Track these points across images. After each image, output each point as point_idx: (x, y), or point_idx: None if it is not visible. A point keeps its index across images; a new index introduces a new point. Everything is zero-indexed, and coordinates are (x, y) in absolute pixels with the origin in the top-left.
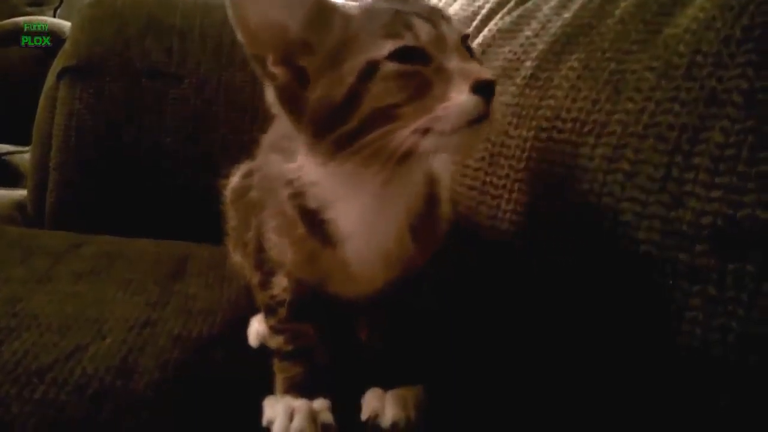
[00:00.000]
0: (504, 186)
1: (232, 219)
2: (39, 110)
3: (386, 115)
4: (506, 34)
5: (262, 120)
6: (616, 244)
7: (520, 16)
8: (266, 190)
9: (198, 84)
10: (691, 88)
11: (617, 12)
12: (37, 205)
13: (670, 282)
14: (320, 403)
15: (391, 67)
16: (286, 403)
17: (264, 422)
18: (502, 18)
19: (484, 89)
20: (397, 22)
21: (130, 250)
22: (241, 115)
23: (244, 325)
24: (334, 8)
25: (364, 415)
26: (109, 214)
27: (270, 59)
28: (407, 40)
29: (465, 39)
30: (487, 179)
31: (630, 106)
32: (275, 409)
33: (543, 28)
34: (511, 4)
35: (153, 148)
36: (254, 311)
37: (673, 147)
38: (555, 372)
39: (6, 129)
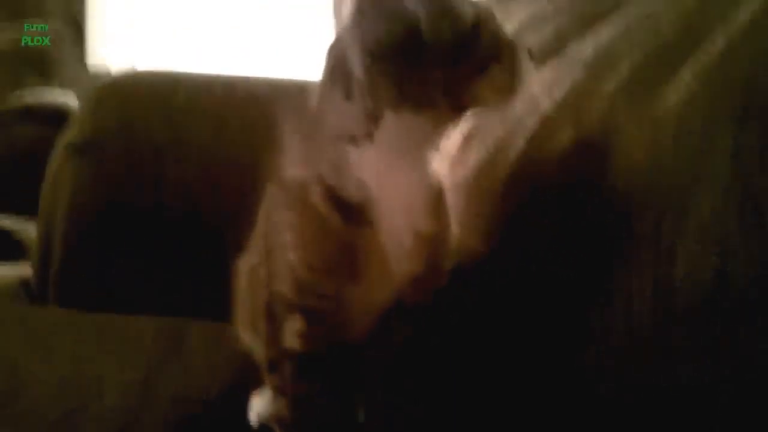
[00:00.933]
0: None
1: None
2: (44, 185)
3: None
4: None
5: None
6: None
7: None
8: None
9: (200, 161)
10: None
11: (606, 90)
12: (41, 278)
13: None
14: None
15: None
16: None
17: None
18: None
19: None
20: None
21: (131, 328)
22: (244, 192)
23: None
24: None
25: None
26: (114, 288)
27: None
28: None
29: None
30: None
31: (619, 183)
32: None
33: (534, 105)
34: None
35: (156, 223)
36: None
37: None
38: None
39: (13, 202)
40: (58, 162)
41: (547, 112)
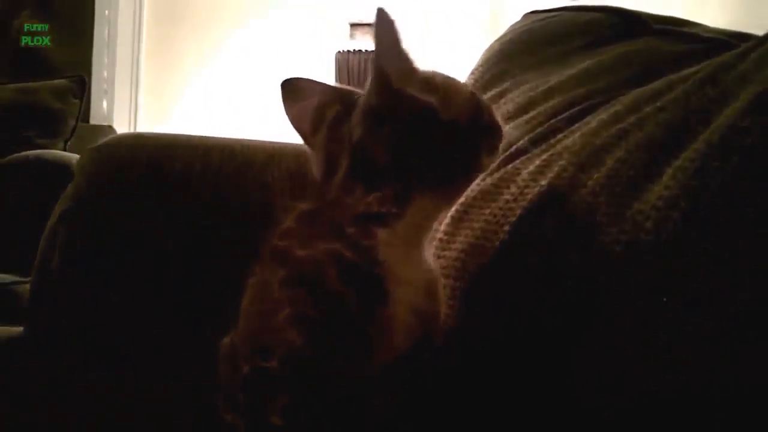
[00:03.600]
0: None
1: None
2: (40, 247)
3: None
4: (487, 195)
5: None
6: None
7: (501, 179)
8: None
9: (196, 232)
10: (658, 267)
11: (590, 183)
12: (34, 340)
13: None
14: None
15: None
16: None
17: None
18: (484, 179)
19: None
20: None
21: None
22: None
23: None
24: None
25: None
26: (104, 353)
27: None
28: None
29: None
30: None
31: (601, 278)
32: None
33: (521, 193)
34: (494, 165)
35: (153, 293)
36: None
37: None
38: None
39: (11, 259)
40: (52, 226)
41: (534, 199)
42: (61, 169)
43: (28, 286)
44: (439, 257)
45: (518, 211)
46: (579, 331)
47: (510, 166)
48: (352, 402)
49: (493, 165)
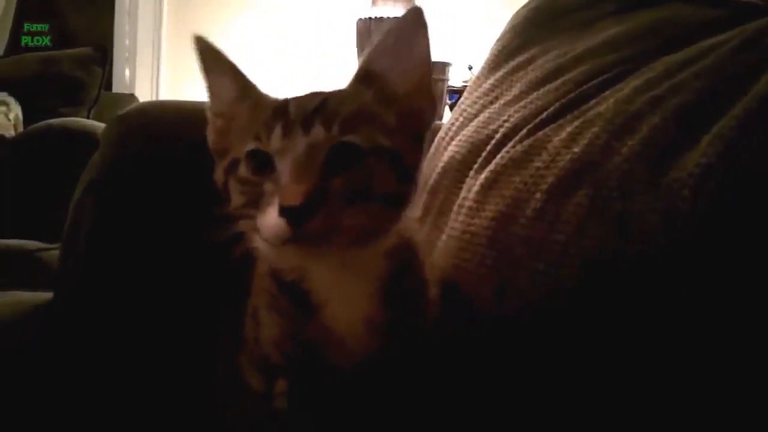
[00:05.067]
0: (512, 319)
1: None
2: (68, 219)
3: (242, 213)
4: (518, 163)
5: None
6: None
7: (531, 146)
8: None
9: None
10: (696, 233)
11: (624, 151)
12: (61, 308)
13: None
14: None
15: (242, 170)
16: None
17: None
18: (514, 146)
19: (289, 214)
20: (267, 122)
21: None
22: None
23: None
24: (251, 90)
25: None
26: (131, 324)
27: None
28: (261, 144)
29: (312, 148)
30: (495, 312)
31: (638, 247)
32: None
33: (553, 160)
34: (524, 132)
35: (177, 264)
36: None
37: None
38: None
39: (36, 226)
40: (79, 195)
41: (566, 165)
42: (86, 137)
43: (53, 252)
44: (468, 225)
45: (550, 179)
46: (614, 301)
47: (540, 133)
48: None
49: (522, 132)
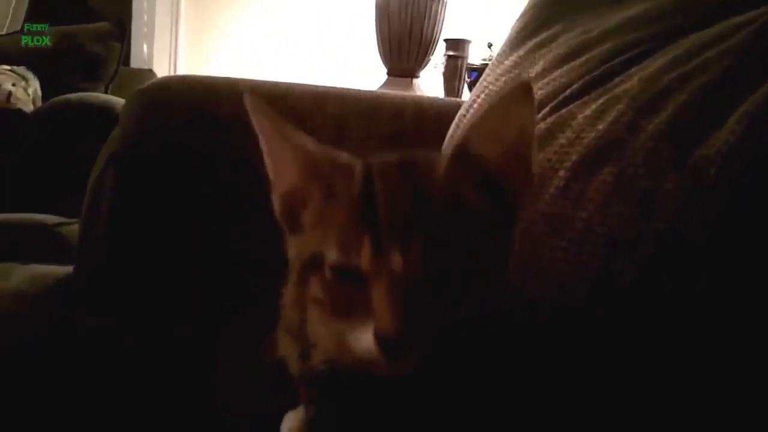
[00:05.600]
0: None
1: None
2: (88, 192)
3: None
4: (541, 140)
5: None
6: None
7: (554, 123)
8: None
9: (241, 175)
10: (723, 213)
11: (650, 128)
12: (83, 282)
13: None
14: None
15: (327, 274)
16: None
17: None
18: (537, 123)
19: (387, 346)
20: (350, 229)
21: None
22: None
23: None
24: (322, 166)
25: None
26: (154, 295)
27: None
28: (347, 258)
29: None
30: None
31: (662, 226)
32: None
33: (577, 137)
34: (546, 109)
35: (195, 237)
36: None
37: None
38: None
39: (56, 201)
40: (100, 170)
41: (591, 143)
42: (104, 112)
43: (72, 227)
44: None
45: (574, 156)
46: (636, 283)
47: (564, 110)
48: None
49: (546, 109)
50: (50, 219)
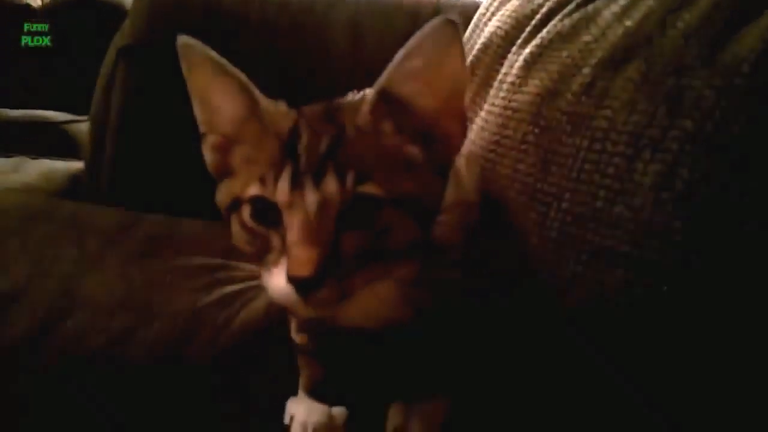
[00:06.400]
0: (554, 194)
1: None
2: (98, 86)
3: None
4: (565, 37)
5: None
6: (666, 262)
7: (579, 20)
8: None
9: (251, 72)
10: (753, 110)
11: (680, 25)
12: (93, 178)
13: None
14: (339, 411)
15: (245, 214)
16: (307, 404)
17: (285, 419)
18: (561, 20)
19: (298, 284)
20: (274, 163)
21: (180, 233)
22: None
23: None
24: (259, 107)
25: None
26: (164, 190)
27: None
28: (267, 191)
29: (324, 204)
30: (538, 185)
31: (688, 123)
32: (297, 407)
33: (603, 34)
34: (572, 6)
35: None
36: None
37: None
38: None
39: (66, 98)
40: (110, 65)
41: (617, 40)
42: (113, 8)
43: (81, 125)
44: (510, 101)
45: (599, 54)
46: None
47: (589, 6)
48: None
49: (571, 6)
50: (59, 116)
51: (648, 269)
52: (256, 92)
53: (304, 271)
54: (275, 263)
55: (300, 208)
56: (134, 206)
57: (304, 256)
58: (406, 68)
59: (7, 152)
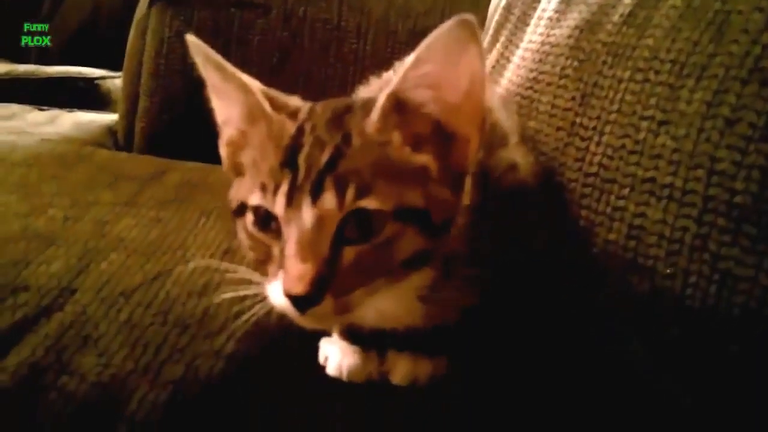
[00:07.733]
0: (594, 128)
1: None
2: (130, 38)
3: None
4: None
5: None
6: (709, 192)
7: None
8: None
9: (284, 15)
10: None
11: None
12: (127, 130)
13: None
14: (371, 353)
15: (248, 221)
16: (342, 344)
17: (320, 359)
18: None
19: (294, 301)
20: (274, 173)
21: (212, 179)
22: (324, 49)
23: None
24: (262, 110)
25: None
26: (196, 141)
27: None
28: (266, 201)
29: (321, 220)
30: (577, 120)
31: (734, 48)
32: (331, 348)
33: None
34: None
35: None
36: None
37: None
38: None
39: (100, 55)
40: (142, 17)
41: None
42: None
43: (114, 80)
44: (548, 36)
45: None
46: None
47: None
48: None
49: None
50: (94, 72)
51: (692, 200)
52: (260, 96)
53: (298, 288)
54: (275, 275)
55: (296, 223)
56: (166, 157)
57: (298, 273)
58: (418, 74)
59: (42, 107)
